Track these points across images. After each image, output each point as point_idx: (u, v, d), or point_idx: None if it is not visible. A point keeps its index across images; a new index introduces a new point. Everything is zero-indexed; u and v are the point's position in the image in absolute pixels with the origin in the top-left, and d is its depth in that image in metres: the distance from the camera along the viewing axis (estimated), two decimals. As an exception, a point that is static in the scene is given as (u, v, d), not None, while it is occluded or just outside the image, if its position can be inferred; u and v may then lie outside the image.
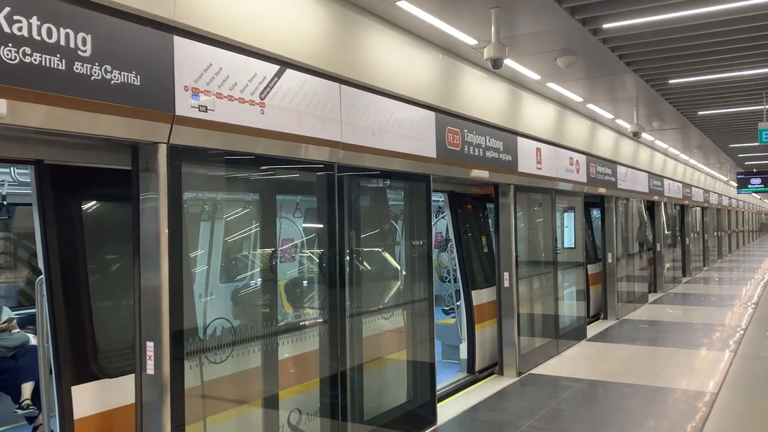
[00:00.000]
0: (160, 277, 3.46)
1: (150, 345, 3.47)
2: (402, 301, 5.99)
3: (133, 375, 3.58)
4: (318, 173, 4.80)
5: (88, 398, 3.51)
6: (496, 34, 5.44)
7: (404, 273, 6.21)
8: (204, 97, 3.66)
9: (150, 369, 3.47)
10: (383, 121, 5.31)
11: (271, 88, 4.16)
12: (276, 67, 4.21)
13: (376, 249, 5.95)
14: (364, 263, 5.60)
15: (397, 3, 5.07)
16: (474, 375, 7.65)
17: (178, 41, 3.52)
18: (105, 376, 3.62)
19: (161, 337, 3.45)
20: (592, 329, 10.67)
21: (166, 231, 3.47)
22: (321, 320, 4.87)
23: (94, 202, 3.91)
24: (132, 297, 3.60)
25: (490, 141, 7.18)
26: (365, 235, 5.70)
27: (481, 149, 6.96)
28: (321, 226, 4.95)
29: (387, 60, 5.48)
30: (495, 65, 5.55)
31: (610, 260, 11.85)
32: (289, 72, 4.31)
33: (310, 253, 6.18)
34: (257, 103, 4.04)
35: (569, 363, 8.43)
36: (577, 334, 9.84)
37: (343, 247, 4.91)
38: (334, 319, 4.80)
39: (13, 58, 2.75)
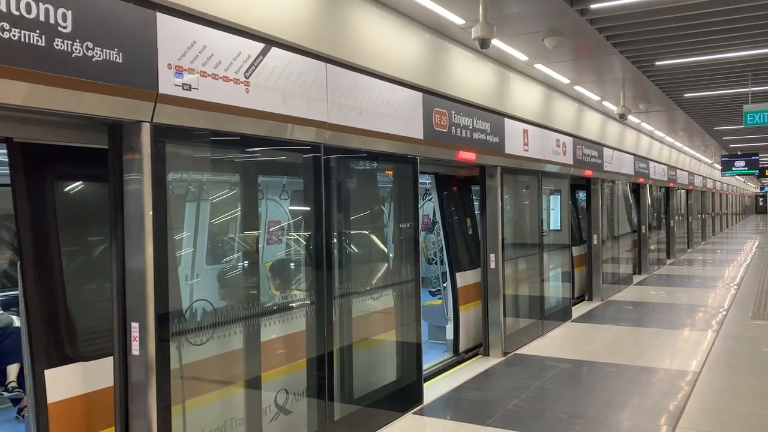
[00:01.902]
0: (144, 258, 3.43)
1: (135, 326, 3.45)
2: (389, 283, 6.00)
3: (110, 358, 3.52)
4: (304, 154, 4.76)
5: (62, 382, 3.41)
6: (483, 13, 5.41)
7: (391, 255, 6.22)
8: (188, 75, 3.61)
9: (135, 350, 3.45)
10: (370, 101, 5.27)
11: (256, 67, 4.11)
12: (261, 45, 4.15)
13: (362, 231, 5.94)
14: (351, 245, 5.59)
15: (384, -19, 5.02)
16: (459, 356, 7.70)
17: (161, 18, 3.46)
18: (80, 359, 3.52)
19: (146, 317, 3.43)
20: (577, 310, 10.77)
21: (151, 212, 3.43)
22: (308, 301, 4.86)
23: (67, 181, 3.77)
24: (109, 278, 3.52)
25: (477, 122, 7.16)
26: (352, 217, 5.69)
27: (468, 131, 6.94)
28: (307, 207, 4.92)
29: (374, 39, 5.43)
30: (482, 45, 5.52)
31: (595, 242, 11.93)
32: (274, 50, 4.26)
33: (296, 235, 6.16)
34: (242, 82, 4.00)
35: (554, 343, 8.51)
36: (562, 315, 9.93)
37: (329, 229, 4.89)
38: (320, 301, 4.80)
39: (-10, 33, 2.69)
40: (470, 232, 8.26)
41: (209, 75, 3.76)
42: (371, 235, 6.07)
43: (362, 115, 5.17)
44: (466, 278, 7.90)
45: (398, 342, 6.02)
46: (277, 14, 4.35)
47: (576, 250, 11.70)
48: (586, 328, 9.59)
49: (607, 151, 12.48)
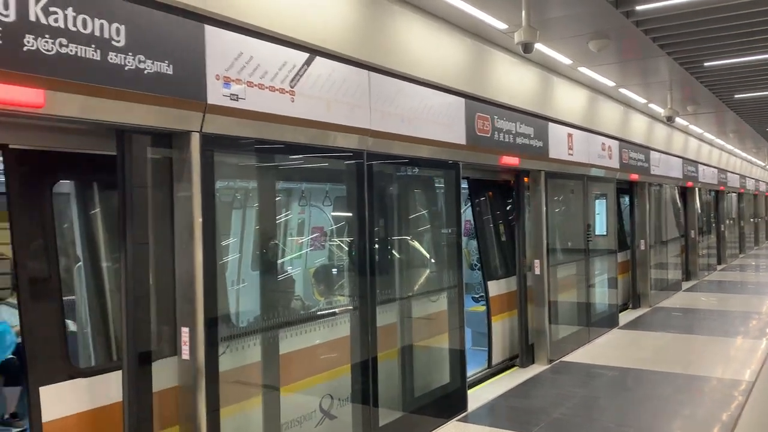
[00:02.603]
0: (194, 264, 3.50)
1: (185, 331, 3.53)
2: (432, 289, 5.99)
3: (110, 374, 3.43)
4: (347, 161, 4.80)
5: (58, 400, 3.25)
6: (526, 17, 5.37)
7: (433, 261, 6.21)
8: (235, 85, 3.69)
9: (185, 354, 3.53)
10: (412, 107, 5.29)
11: (301, 76, 4.17)
12: (305, 55, 4.22)
13: (405, 237, 5.95)
14: (394, 251, 5.60)
15: (426, -12, 5.04)
16: (493, 368, 7.49)
17: (210, 30, 3.55)
18: (79, 375, 3.36)
19: (195, 323, 3.50)
20: (624, 317, 10.54)
21: (200, 220, 3.51)
22: (351, 307, 4.90)
23: (66, 189, 3.64)
24: (110, 290, 3.50)
25: (520, 127, 7.10)
26: (394, 223, 5.71)
27: (511, 135, 6.89)
28: (350, 214, 4.96)
29: (416, 46, 5.45)
30: (526, 50, 5.47)
31: (642, 247, 11.67)
32: (318, 60, 4.32)
33: (339, 241, 6.21)
34: (287, 92, 4.06)
35: (601, 351, 8.35)
36: (609, 321, 9.74)
37: (372, 235, 4.92)
38: (364, 306, 4.83)
39: (49, 49, 2.80)
40: (503, 238, 8.08)
41: (256, 85, 3.83)
42: (414, 241, 6.07)
43: (404, 122, 5.19)
44: (500, 287, 7.73)
45: (441, 348, 6.00)
46: (320, 24, 4.41)
47: (619, 257, 11.46)
48: (634, 335, 9.38)
49: (654, 155, 12.21)
